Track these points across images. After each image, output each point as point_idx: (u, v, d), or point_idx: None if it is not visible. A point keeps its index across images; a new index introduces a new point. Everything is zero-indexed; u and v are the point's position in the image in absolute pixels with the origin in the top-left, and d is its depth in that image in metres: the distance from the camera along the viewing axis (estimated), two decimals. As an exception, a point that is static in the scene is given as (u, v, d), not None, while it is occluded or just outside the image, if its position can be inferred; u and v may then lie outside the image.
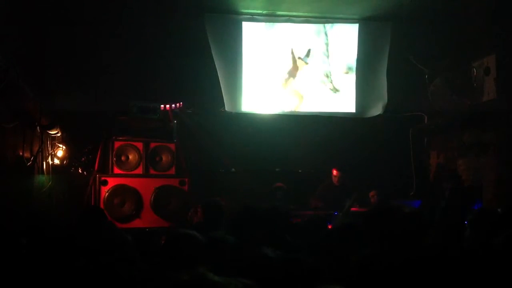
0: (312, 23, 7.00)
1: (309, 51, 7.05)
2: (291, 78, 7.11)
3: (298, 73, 7.11)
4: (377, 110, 7.20)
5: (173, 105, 7.25)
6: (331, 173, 7.22)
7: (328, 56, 7.14)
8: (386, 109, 7.13)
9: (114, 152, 6.55)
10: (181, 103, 7.32)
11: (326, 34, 7.06)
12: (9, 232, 2.94)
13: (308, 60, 7.06)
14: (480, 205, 5.74)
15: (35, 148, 6.28)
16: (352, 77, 7.21)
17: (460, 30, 6.33)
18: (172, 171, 6.74)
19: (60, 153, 7.10)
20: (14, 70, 4.67)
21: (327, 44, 7.10)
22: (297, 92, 7.13)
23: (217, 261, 2.50)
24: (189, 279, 1.56)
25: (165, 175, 6.69)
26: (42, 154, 6.51)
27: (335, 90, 7.21)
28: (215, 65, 6.74)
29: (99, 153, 6.88)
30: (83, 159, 7.13)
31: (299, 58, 7.03)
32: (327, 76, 7.19)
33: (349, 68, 7.18)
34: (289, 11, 6.75)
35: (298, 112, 7.17)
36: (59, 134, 6.89)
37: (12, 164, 5.72)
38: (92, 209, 5.99)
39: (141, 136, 6.71)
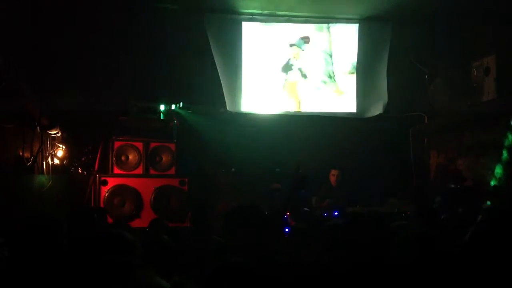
0: (312, 23, 7.00)
1: (307, 38, 7.03)
2: (292, 78, 7.12)
3: (300, 73, 7.11)
4: (377, 110, 7.20)
5: (173, 105, 7.25)
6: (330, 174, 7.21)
7: (331, 55, 7.12)
8: (386, 109, 7.12)
9: (114, 152, 6.56)
10: (181, 103, 7.33)
11: (329, 30, 7.05)
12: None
13: (305, 47, 7.04)
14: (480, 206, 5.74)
15: (35, 148, 6.27)
16: (353, 77, 7.21)
17: (460, 30, 6.33)
18: (172, 171, 6.74)
19: (60, 153, 7.09)
20: (14, 70, 4.66)
21: (330, 42, 7.08)
22: (297, 93, 7.13)
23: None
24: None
25: (165, 175, 6.69)
26: (42, 154, 6.50)
27: (340, 92, 7.20)
28: (215, 65, 6.74)
29: (99, 153, 6.88)
30: (83, 159, 7.13)
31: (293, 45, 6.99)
32: (330, 77, 7.17)
33: (353, 68, 7.18)
34: (289, 11, 6.76)
35: (299, 112, 7.17)
36: (59, 134, 6.88)
37: (12, 164, 5.71)
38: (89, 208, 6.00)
39: (141, 136, 6.72)
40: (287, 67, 7.06)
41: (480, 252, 2.59)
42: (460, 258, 2.52)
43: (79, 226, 3.45)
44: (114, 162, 6.55)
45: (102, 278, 2.19)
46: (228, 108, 6.96)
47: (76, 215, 3.90)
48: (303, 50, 7.06)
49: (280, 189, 7.00)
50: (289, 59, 7.05)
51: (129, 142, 6.65)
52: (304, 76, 7.12)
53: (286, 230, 4.89)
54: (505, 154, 6.09)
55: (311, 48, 7.07)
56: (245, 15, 6.79)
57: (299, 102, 7.16)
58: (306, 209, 5.78)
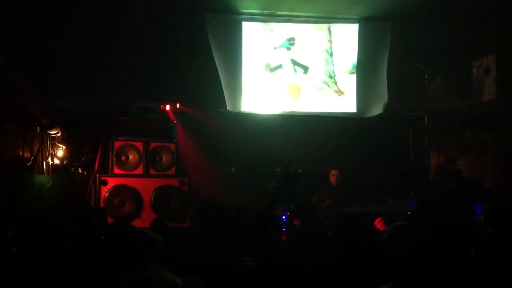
0: (312, 23, 7.00)
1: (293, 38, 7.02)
2: (290, 78, 7.12)
3: (300, 73, 7.11)
4: (377, 110, 7.20)
5: (173, 105, 7.25)
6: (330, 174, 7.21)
7: (331, 55, 7.12)
8: (386, 109, 7.12)
9: (114, 152, 6.56)
10: (181, 103, 7.33)
11: (329, 30, 7.05)
12: None
13: (293, 47, 7.03)
14: (480, 205, 5.74)
15: (35, 148, 6.27)
16: (353, 77, 7.21)
17: (460, 30, 6.33)
18: (172, 171, 6.74)
19: (60, 153, 7.09)
20: (14, 70, 4.66)
21: (330, 42, 7.08)
22: (297, 92, 7.13)
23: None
24: (140, 278, 1.56)
25: (165, 175, 6.69)
26: (42, 154, 6.50)
27: (340, 92, 7.19)
28: (215, 65, 6.74)
29: (99, 153, 6.88)
30: (83, 159, 7.13)
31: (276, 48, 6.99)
32: (331, 77, 7.16)
33: (353, 68, 7.17)
34: (289, 11, 6.76)
35: (299, 112, 7.17)
36: (59, 134, 6.88)
37: (12, 164, 5.71)
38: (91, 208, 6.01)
39: (141, 136, 6.72)
40: (280, 68, 7.06)
41: (487, 251, 2.59)
42: (467, 258, 2.51)
43: (80, 226, 3.46)
44: (114, 162, 6.55)
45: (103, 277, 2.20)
46: (228, 108, 6.96)
47: (76, 215, 3.91)
48: (291, 50, 7.04)
49: (276, 186, 6.99)
50: (282, 59, 7.05)
51: (129, 142, 6.65)
52: (301, 74, 7.10)
53: (284, 229, 4.90)
54: None
55: (306, 47, 7.05)
56: (245, 15, 6.79)
57: (299, 102, 7.15)
58: (291, 206, 5.75)
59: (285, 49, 7.03)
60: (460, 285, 2.25)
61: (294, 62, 7.06)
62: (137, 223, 6.31)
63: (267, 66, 7.04)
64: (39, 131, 6.25)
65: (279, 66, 7.05)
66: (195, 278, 2.02)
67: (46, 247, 2.79)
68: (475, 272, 2.37)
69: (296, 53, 7.06)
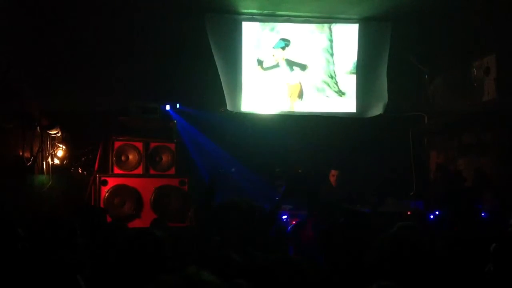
0: (312, 23, 7.00)
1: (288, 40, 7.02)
2: (290, 78, 7.12)
3: (300, 73, 7.11)
4: (377, 110, 7.20)
5: (173, 105, 7.26)
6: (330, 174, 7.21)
7: (332, 55, 7.11)
8: (386, 109, 7.12)
9: (114, 152, 6.56)
10: (180, 103, 7.33)
11: (330, 30, 7.05)
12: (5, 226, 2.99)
13: (288, 48, 7.03)
14: (480, 206, 5.75)
15: (35, 148, 6.28)
16: (353, 77, 7.21)
17: (460, 30, 6.33)
18: (172, 171, 6.74)
19: (60, 153, 7.09)
20: (14, 70, 4.67)
21: (331, 41, 7.07)
22: (298, 92, 7.13)
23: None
24: (181, 279, 1.54)
25: (165, 175, 6.69)
26: (42, 154, 6.51)
27: (341, 93, 7.18)
28: (215, 65, 6.75)
29: (99, 153, 6.88)
30: (83, 159, 7.14)
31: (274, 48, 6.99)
32: (332, 77, 7.16)
33: (353, 68, 7.17)
34: (289, 11, 6.76)
35: (299, 112, 7.17)
36: (59, 134, 6.89)
37: (12, 164, 5.72)
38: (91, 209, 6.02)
39: (141, 136, 6.71)
40: (277, 67, 7.06)
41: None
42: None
43: (83, 226, 3.47)
44: (114, 162, 6.55)
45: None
46: (228, 108, 6.96)
47: (81, 214, 3.92)
48: (286, 50, 7.03)
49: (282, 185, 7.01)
50: (279, 59, 7.05)
51: (129, 142, 6.65)
52: (301, 74, 7.09)
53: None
54: None
55: (306, 47, 7.05)
56: (245, 15, 6.79)
57: (300, 102, 7.15)
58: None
59: (280, 49, 7.03)
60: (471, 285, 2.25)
61: (292, 62, 7.06)
62: (137, 223, 6.32)
63: (267, 65, 7.05)
64: (39, 131, 6.26)
65: (277, 65, 7.05)
66: (242, 282, 1.98)
67: (62, 245, 2.81)
68: (496, 270, 2.35)
69: (293, 53, 7.04)
